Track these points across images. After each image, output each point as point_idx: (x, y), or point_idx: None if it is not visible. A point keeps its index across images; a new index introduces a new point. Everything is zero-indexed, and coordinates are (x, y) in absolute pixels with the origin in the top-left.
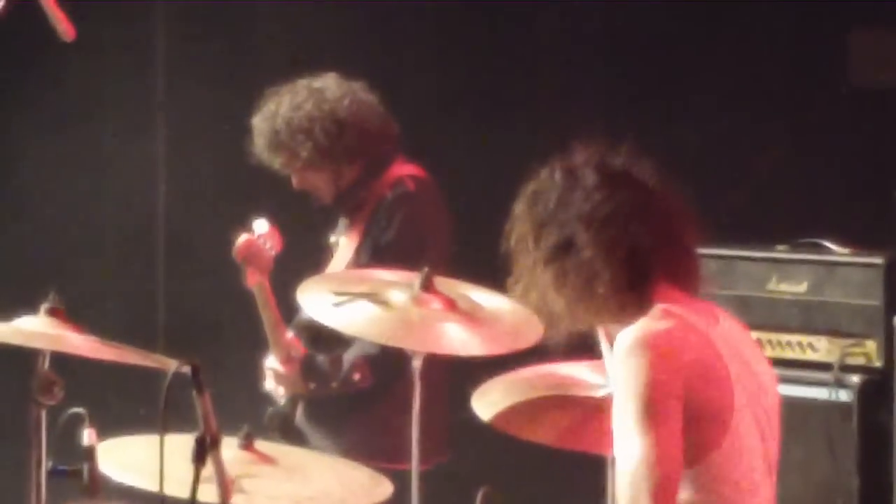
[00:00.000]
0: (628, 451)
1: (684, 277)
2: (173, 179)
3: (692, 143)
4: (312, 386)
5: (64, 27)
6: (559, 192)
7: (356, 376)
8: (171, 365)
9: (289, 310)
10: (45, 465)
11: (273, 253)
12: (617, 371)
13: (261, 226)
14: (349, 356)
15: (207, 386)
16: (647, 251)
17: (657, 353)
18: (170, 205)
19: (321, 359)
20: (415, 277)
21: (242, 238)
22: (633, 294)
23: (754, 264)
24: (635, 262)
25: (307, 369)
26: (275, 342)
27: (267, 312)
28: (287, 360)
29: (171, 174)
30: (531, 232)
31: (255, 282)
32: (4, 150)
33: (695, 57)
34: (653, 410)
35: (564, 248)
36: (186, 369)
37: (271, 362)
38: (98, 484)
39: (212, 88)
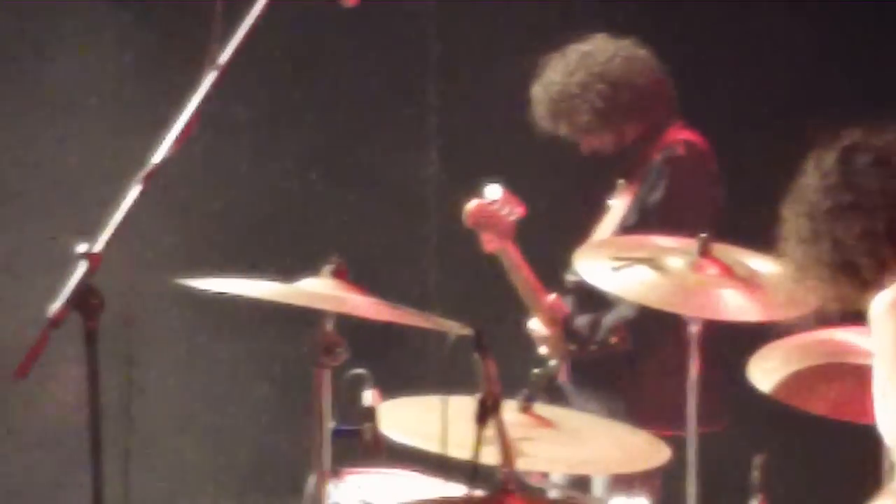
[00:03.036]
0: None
1: None
2: (446, 147)
3: None
4: (572, 348)
5: None
6: (831, 175)
7: (613, 339)
8: (454, 327)
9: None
10: (329, 425)
11: (513, 218)
12: (876, 332)
13: (493, 191)
14: (608, 319)
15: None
16: None
17: None
18: (443, 171)
19: (581, 321)
20: (692, 244)
21: (472, 204)
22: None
23: None
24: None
25: (567, 331)
26: (533, 305)
27: (517, 277)
28: (550, 322)
29: (444, 141)
30: (802, 210)
31: (494, 247)
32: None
33: None
34: None
35: (825, 233)
36: (469, 332)
37: (534, 324)
38: (380, 444)
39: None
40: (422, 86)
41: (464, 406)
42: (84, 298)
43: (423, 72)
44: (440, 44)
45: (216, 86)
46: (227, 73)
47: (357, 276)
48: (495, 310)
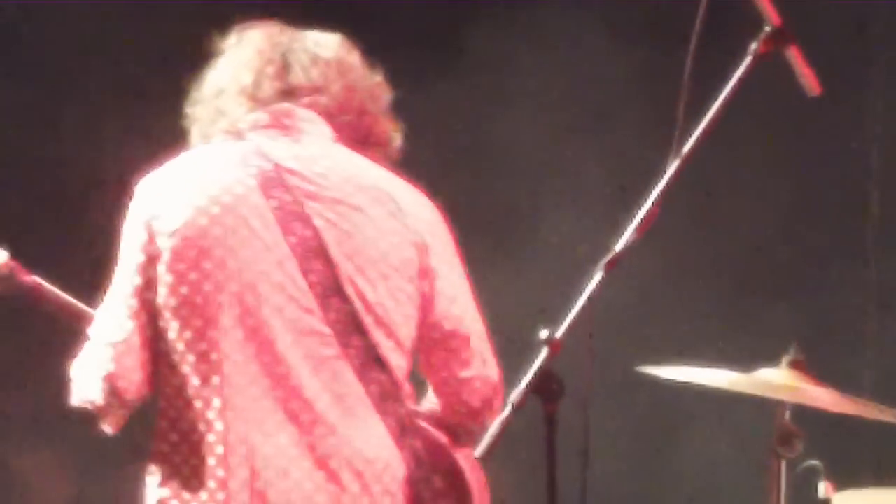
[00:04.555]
0: None
1: None
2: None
3: None
4: None
5: (811, 82)
6: None
7: None
8: None
9: None
10: None
11: None
12: None
13: None
14: None
15: None
16: None
17: None
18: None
19: None
20: None
21: None
22: None
23: None
24: None
25: None
26: None
27: None
28: None
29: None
30: None
31: None
32: None
33: None
34: None
35: None
36: None
37: None
38: None
39: None
40: (863, 162)
41: None
42: (545, 383)
43: (866, 145)
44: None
45: (678, 175)
46: (689, 162)
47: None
48: None
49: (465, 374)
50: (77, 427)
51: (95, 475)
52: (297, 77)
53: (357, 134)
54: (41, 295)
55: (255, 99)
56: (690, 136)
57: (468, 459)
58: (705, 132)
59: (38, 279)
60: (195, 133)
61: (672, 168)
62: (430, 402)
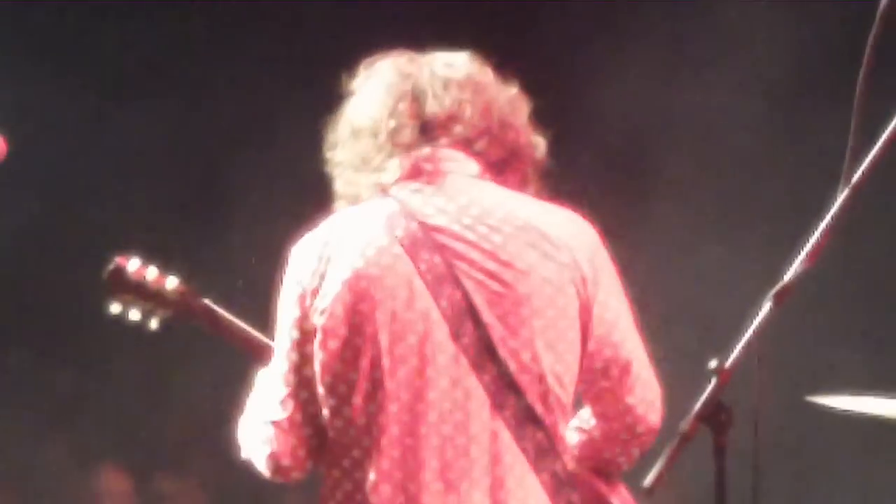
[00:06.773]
0: None
1: None
2: None
3: None
4: None
5: None
6: None
7: None
8: None
9: None
10: None
11: None
12: None
13: None
14: None
15: None
16: None
17: None
18: None
19: None
20: None
21: None
22: None
23: None
24: None
25: None
26: None
27: None
28: None
29: None
30: None
31: None
32: None
33: None
34: None
35: None
36: None
37: None
38: None
39: None
40: None
41: None
42: (714, 414)
43: None
44: None
45: (848, 206)
46: (859, 193)
47: None
48: None
49: (630, 400)
50: None
51: None
52: (431, 107)
53: (503, 151)
54: (214, 321)
55: (395, 143)
56: (861, 164)
57: (622, 499)
58: (875, 161)
59: (211, 304)
60: (340, 180)
61: (842, 198)
62: (584, 425)
